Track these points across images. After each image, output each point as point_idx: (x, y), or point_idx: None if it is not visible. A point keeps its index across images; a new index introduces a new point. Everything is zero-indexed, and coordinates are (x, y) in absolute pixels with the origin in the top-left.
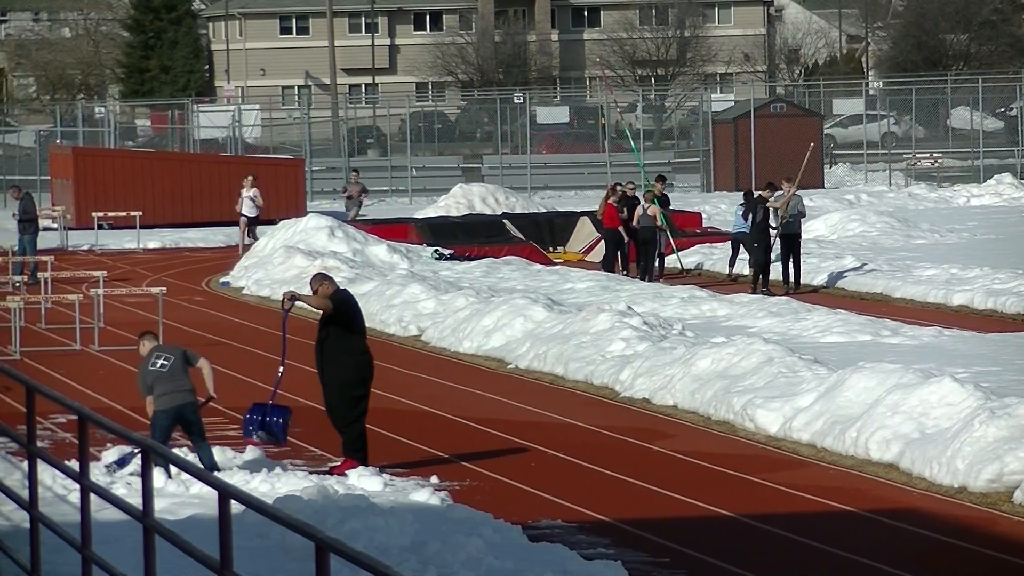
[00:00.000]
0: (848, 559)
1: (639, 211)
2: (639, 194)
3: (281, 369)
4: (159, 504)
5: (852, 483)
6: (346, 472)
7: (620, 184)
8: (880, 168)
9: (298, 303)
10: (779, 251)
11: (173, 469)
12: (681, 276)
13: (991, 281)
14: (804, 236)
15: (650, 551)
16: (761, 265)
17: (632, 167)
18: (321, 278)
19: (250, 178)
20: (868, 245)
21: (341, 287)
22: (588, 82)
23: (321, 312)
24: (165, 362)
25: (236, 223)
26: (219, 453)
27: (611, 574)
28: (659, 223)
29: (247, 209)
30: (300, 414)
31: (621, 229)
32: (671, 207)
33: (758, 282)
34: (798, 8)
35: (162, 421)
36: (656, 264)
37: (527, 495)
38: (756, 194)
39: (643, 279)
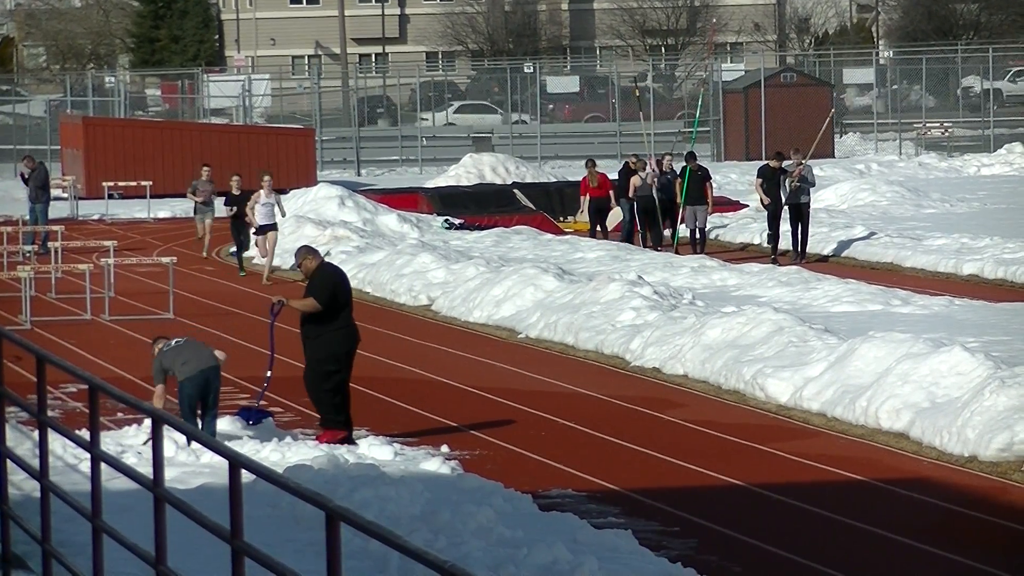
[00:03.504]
0: (858, 528)
1: (636, 180)
2: (675, 166)
3: (269, 373)
4: (170, 473)
5: (862, 452)
6: (326, 442)
7: (639, 156)
8: (890, 138)
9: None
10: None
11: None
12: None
13: (1001, 251)
14: (814, 206)
15: (660, 520)
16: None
17: (639, 137)
18: (306, 252)
19: (268, 177)
20: (878, 215)
21: (326, 260)
22: (598, 51)
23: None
24: (180, 339)
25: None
26: (229, 423)
27: (621, 543)
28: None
29: (262, 216)
30: None
31: (611, 196)
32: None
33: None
34: None
35: (188, 390)
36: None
37: (537, 464)
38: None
39: (655, 247)
